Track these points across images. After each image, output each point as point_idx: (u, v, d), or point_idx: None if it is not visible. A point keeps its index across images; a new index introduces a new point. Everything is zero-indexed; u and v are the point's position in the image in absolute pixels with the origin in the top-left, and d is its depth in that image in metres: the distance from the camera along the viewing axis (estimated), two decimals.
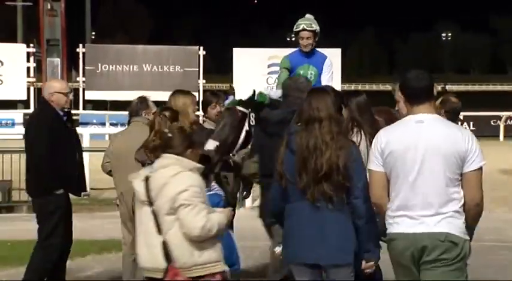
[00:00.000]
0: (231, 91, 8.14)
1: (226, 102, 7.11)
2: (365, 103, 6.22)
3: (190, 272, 4.73)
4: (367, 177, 4.92)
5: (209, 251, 4.78)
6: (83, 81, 23.65)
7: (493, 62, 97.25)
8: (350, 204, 4.85)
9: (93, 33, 43.61)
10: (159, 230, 4.72)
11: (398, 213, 4.64)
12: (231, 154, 6.81)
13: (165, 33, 77.18)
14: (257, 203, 7.63)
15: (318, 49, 7.96)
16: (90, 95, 23.67)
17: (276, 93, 7.11)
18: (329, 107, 4.95)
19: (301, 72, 7.74)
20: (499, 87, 75.32)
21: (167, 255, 4.69)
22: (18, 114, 26.50)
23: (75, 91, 24.55)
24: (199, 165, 4.92)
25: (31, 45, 23.82)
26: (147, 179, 4.76)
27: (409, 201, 4.64)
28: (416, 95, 4.74)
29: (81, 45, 24.62)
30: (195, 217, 4.67)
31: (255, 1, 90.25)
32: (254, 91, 7.06)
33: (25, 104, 27.29)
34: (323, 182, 4.82)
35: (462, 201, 4.57)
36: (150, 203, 4.75)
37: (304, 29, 7.75)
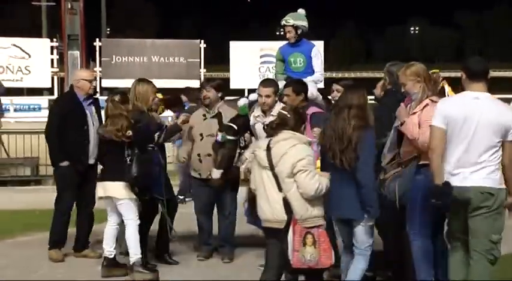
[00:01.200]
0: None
1: (219, 137, 7.20)
2: None
3: (304, 223, 5.17)
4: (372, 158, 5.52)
5: (317, 207, 5.25)
6: (100, 71, 23.56)
7: (456, 53, 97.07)
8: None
9: (108, 29, 43.42)
10: (280, 189, 5.14)
11: (454, 171, 5.15)
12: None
13: (170, 29, 76.85)
14: None
15: (305, 40, 7.88)
16: (106, 83, 23.61)
17: (252, 97, 7.42)
18: (360, 98, 5.57)
19: (292, 59, 7.77)
20: (459, 74, 74.97)
21: (287, 209, 5.10)
22: (44, 100, 26.46)
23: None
24: (309, 138, 5.45)
25: (54, 40, 23.71)
26: (268, 149, 5.15)
27: (462, 161, 5.15)
28: (476, 75, 5.29)
29: (97, 39, 24.53)
30: (311, 180, 5.14)
31: (249, 0, 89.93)
32: (237, 113, 7.29)
33: (50, 91, 27.22)
34: (343, 154, 5.37)
35: (499, 161, 5.15)
36: (272, 168, 5.15)
37: (284, 25, 7.76)
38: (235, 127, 7.15)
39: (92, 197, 7.41)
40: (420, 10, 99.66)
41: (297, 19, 7.74)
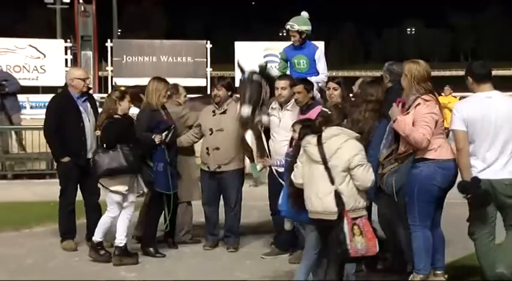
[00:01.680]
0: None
1: (246, 74, 7.25)
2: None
3: (352, 214, 5.18)
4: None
5: (363, 199, 5.27)
6: (111, 70, 23.57)
7: (450, 52, 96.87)
8: None
9: (119, 30, 43.40)
10: (332, 182, 5.14)
11: (483, 167, 5.39)
12: (256, 111, 7.10)
13: (178, 30, 76.75)
14: (258, 169, 7.60)
15: (309, 42, 7.94)
16: (118, 81, 23.60)
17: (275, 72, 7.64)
18: (377, 92, 5.99)
19: (295, 61, 7.88)
20: (454, 73, 75.10)
21: (338, 201, 5.11)
22: None
23: (105, 79, 24.52)
24: (357, 134, 5.44)
25: (68, 41, 23.72)
26: (320, 144, 5.19)
27: (488, 157, 5.39)
28: (482, 78, 5.50)
29: (109, 40, 24.50)
30: (367, 173, 5.21)
31: (253, 2, 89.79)
32: (266, 64, 7.35)
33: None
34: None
35: None
36: (324, 162, 5.16)
37: (288, 29, 7.82)
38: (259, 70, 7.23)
39: (95, 188, 7.41)
40: (416, 12, 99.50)
41: (301, 24, 7.80)
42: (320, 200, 5.19)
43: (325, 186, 5.18)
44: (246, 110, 7.00)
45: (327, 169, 5.17)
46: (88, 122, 7.37)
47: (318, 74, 7.77)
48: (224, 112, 7.40)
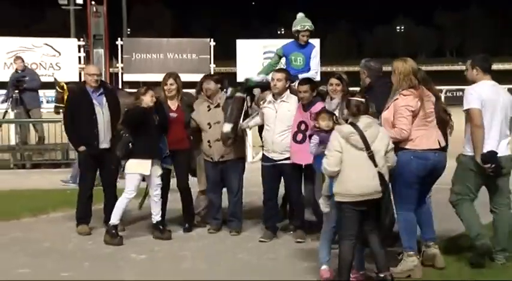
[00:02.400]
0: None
1: (228, 91, 7.29)
2: None
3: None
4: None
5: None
6: (121, 67, 23.50)
7: (437, 49, 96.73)
8: None
9: (129, 29, 43.29)
10: (375, 165, 5.28)
11: (496, 143, 5.77)
12: (239, 125, 7.06)
13: (183, 29, 76.54)
14: (257, 158, 7.61)
15: (309, 41, 7.93)
16: (128, 77, 23.48)
17: (259, 77, 7.45)
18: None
19: (293, 58, 7.83)
20: (439, 68, 74.90)
21: (382, 181, 5.29)
22: None
23: (116, 75, 24.45)
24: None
25: (81, 39, 23.55)
26: (361, 133, 5.29)
27: (500, 135, 5.81)
28: (488, 69, 5.96)
29: (119, 39, 24.41)
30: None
31: (253, 3, 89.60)
32: (246, 79, 7.30)
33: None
34: None
35: None
36: (367, 148, 5.29)
37: (307, 29, 7.75)
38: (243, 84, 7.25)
39: (112, 176, 7.48)
40: (405, 11, 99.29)
41: (311, 24, 7.78)
42: (368, 182, 5.28)
43: (370, 169, 5.29)
44: (227, 128, 7.01)
45: (370, 153, 5.27)
46: (101, 114, 7.36)
47: (310, 69, 7.75)
48: (218, 106, 7.39)
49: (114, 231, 7.01)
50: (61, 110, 11.39)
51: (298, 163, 6.81)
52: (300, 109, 6.86)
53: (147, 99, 7.03)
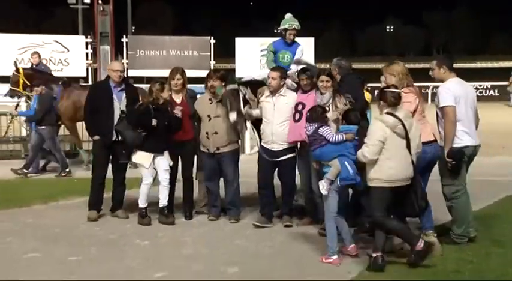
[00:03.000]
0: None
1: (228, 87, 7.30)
2: None
3: None
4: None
5: None
6: (127, 63, 23.47)
7: (425, 47, 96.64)
8: None
9: (133, 27, 43.17)
10: (410, 152, 5.42)
11: (470, 136, 5.98)
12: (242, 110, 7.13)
13: (185, 27, 76.33)
14: (254, 150, 7.60)
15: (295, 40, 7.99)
16: (132, 72, 23.44)
17: (259, 75, 7.65)
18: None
19: (281, 55, 7.93)
20: (427, 65, 74.66)
21: (414, 168, 5.45)
22: None
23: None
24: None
25: (88, 37, 23.51)
26: (402, 123, 5.41)
27: (467, 126, 5.96)
28: (452, 67, 6.13)
29: (124, 36, 24.36)
30: None
31: (251, 3, 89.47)
32: (231, 77, 7.41)
33: (85, 80, 27.09)
34: None
35: None
36: (407, 137, 5.41)
37: (294, 29, 7.85)
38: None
39: (122, 167, 7.47)
40: (394, 12, 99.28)
41: (298, 23, 7.87)
42: (405, 171, 5.42)
43: (407, 157, 5.41)
44: (233, 116, 7.05)
45: (408, 142, 5.39)
46: (118, 109, 7.39)
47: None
48: (220, 100, 7.38)
49: (143, 211, 7.26)
50: (19, 94, 11.41)
51: (293, 140, 6.87)
52: (299, 93, 6.97)
53: (165, 95, 7.19)
